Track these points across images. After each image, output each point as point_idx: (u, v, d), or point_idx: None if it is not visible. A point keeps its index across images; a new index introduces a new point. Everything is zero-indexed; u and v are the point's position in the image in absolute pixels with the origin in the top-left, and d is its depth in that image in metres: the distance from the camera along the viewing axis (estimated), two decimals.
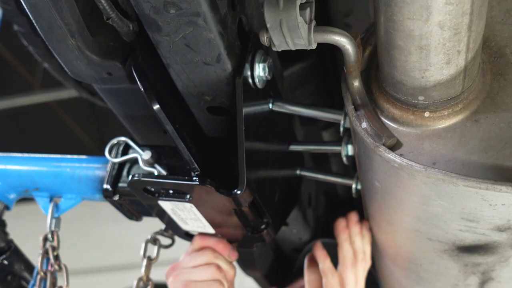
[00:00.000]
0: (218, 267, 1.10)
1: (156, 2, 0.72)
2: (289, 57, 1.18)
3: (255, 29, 0.91)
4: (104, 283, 4.27)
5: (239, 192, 0.90)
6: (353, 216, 1.25)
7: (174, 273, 1.11)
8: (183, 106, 0.95)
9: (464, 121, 0.74)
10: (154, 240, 1.22)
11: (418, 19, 0.61)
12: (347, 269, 1.22)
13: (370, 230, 1.22)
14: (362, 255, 1.23)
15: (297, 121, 1.22)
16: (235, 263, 1.18)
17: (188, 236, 1.17)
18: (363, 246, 1.23)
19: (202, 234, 1.13)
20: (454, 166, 0.71)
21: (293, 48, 0.72)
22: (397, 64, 0.69)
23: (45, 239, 1.15)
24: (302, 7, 0.66)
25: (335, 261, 1.23)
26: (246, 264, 1.50)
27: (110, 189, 1.07)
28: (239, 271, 1.25)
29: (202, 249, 1.13)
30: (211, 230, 1.09)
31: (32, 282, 1.15)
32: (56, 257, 1.15)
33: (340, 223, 1.24)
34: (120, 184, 1.07)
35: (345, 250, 1.22)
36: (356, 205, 1.26)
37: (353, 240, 1.23)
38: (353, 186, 1.10)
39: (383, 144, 0.74)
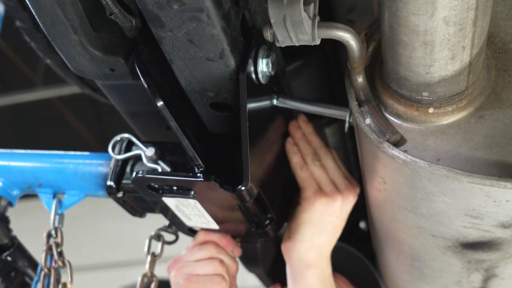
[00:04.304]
0: (221, 262, 1.10)
1: None
2: (292, 52, 1.18)
3: (259, 24, 0.91)
4: (109, 280, 4.29)
5: (243, 188, 0.90)
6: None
7: (176, 267, 1.11)
8: (186, 102, 0.95)
9: (468, 117, 0.74)
10: (158, 236, 1.22)
11: (423, 15, 0.61)
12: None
13: (373, 226, 1.22)
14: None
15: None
16: (237, 261, 1.18)
17: (192, 232, 1.17)
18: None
19: (205, 229, 1.13)
20: (458, 163, 0.71)
21: (297, 44, 0.71)
22: (402, 60, 0.69)
23: (49, 235, 1.16)
24: (306, 2, 0.66)
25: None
26: (249, 260, 1.49)
27: (114, 186, 1.07)
28: (241, 268, 1.25)
29: (205, 243, 1.13)
30: (215, 226, 1.09)
31: (36, 278, 1.15)
32: (60, 254, 1.15)
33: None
34: (124, 181, 1.08)
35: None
36: (359, 202, 1.26)
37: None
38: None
39: (387, 140, 0.74)
